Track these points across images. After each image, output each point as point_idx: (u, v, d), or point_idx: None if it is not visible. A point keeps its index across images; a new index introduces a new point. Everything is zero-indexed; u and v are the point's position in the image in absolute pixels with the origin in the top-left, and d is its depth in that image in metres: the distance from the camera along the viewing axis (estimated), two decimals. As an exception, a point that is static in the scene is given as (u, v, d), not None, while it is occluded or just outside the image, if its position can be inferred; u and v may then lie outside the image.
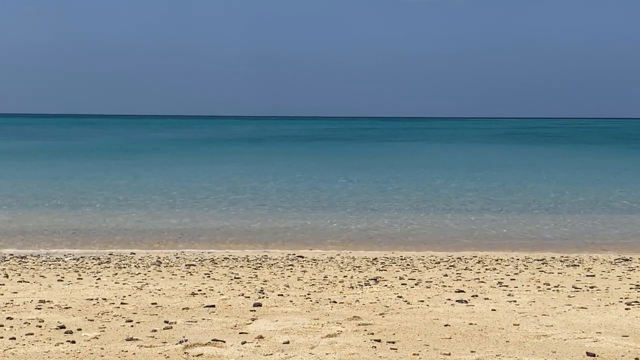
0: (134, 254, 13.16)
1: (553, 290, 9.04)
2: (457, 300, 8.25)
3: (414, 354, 5.96)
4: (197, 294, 8.71)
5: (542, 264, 11.73)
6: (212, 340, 6.31)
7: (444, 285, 9.40)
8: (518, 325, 6.96)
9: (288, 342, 6.24)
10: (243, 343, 6.23)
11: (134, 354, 5.96)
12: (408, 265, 11.51)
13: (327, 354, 5.94)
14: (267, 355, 5.91)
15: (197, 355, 5.90)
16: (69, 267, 11.24)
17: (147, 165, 36.08)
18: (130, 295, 8.55)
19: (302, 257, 12.67)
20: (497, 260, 12.22)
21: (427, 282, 9.70)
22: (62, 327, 6.81)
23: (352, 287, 9.24)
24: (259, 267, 11.30)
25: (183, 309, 7.76)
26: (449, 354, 5.97)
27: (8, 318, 7.20)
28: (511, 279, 9.96)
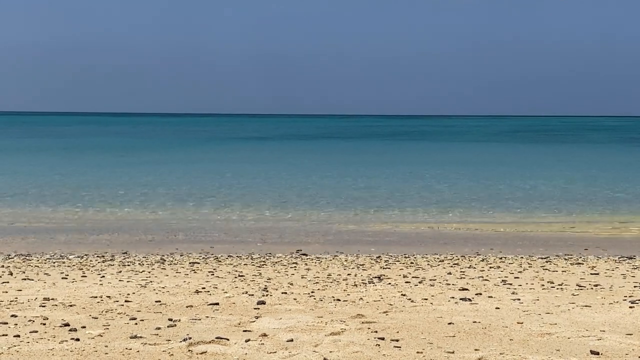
0: (138, 252, 13.17)
1: (557, 289, 9.04)
2: (460, 299, 8.25)
3: (417, 352, 5.96)
4: (201, 291, 8.71)
5: (546, 262, 11.72)
6: (216, 338, 6.32)
7: (447, 284, 9.40)
8: (522, 323, 6.95)
9: (292, 340, 6.25)
10: (247, 341, 6.23)
11: (138, 351, 5.97)
12: (412, 263, 11.51)
13: (330, 351, 5.94)
14: (270, 353, 5.91)
15: (201, 353, 5.91)
16: (73, 265, 11.26)
17: (152, 163, 36.10)
18: (134, 293, 8.57)
19: (305, 255, 12.67)
20: (501, 258, 12.21)
21: (430, 280, 9.70)
22: (67, 324, 6.82)
23: (356, 285, 9.24)
24: (262, 265, 11.31)
25: (187, 306, 7.77)
26: (453, 352, 5.96)
27: (12, 316, 7.22)
28: (515, 277, 9.95)
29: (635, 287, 9.18)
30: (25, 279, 9.69)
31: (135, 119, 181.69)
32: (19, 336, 6.39)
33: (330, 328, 6.70)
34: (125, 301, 8.05)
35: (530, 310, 7.61)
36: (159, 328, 6.73)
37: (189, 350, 5.98)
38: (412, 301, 8.10)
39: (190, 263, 11.48)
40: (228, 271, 10.54)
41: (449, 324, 6.93)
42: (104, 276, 10.01)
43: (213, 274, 10.22)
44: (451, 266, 11.15)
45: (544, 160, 40.80)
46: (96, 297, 8.30)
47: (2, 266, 11.04)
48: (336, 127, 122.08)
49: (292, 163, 36.95)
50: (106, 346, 6.11)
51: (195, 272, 10.42)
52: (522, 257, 12.34)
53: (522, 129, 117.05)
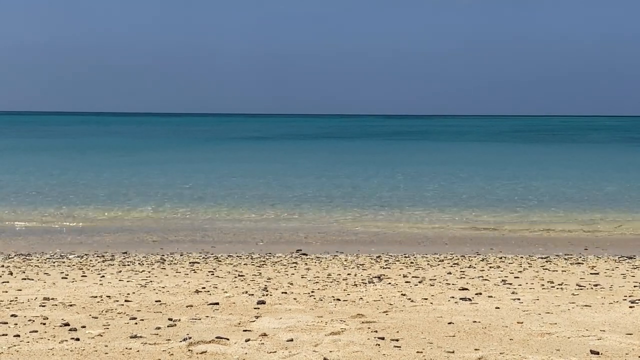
0: (138, 251, 13.18)
1: (557, 288, 9.04)
2: (460, 298, 8.25)
3: (417, 352, 5.96)
4: (201, 291, 8.72)
5: (546, 261, 11.72)
6: (216, 337, 6.32)
7: (447, 283, 9.40)
8: (522, 323, 6.95)
9: (292, 340, 6.25)
10: (247, 340, 6.23)
11: (138, 351, 5.97)
12: (412, 263, 11.51)
13: (330, 351, 5.94)
14: (270, 352, 5.92)
15: (201, 353, 5.91)
16: (73, 265, 11.26)
17: (152, 163, 36.11)
18: (134, 293, 8.57)
19: (305, 254, 12.67)
20: (500, 258, 12.21)
21: (430, 280, 9.70)
22: (66, 324, 6.83)
23: (356, 285, 9.24)
24: (262, 264, 11.31)
25: (187, 306, 7.77)
26: (453, 352, 5.97)
27: (12, 315, 7.22)
28: (515, 277, 9.96)
29: (635, 286, 9.18)
30: (25, 279, 9.69)
31: (136, 119, 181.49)
32: (18, 336, 6.40)
33: (330, 328, 6.70)
34: (125, 301, 8.05)
35: (530, 310, 7.61)
36: (159, 328, 6.73)
37: (189, 350, 5.98)
38: (412, 301, 8.10)
39: (190, 263, 11.48)
40: (228, 271, 10.54)
41: (449, 323, 6.93)
42: (104, 276, 10.01)
43: (213, 274, 10.22)
44: (451, 266, 11.15)
45: (545, 160, 40.80)
46: (96, 296, 8.30)
47: (2, 266, 11.04)
48: (336, 126, 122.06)
49: (293, 163, 36.95)
50: (106, 346, 6.12)
51: (195, 272, 10.42)
52: (522, 257, 12.33)
53: (522, 128, 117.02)
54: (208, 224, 17.17)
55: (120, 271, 10.52)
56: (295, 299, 8.23)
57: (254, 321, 7.00)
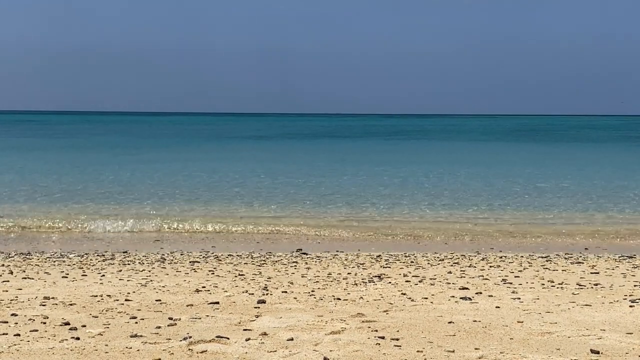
0: (138, 250, 13.18)
1: (557, 288, 9.04)
2: (461, 298, 8.25)
3: (417, 351, 5.97)
4: (201, 290, 8.72)
5: (546, 261, 11.72)
6: (216, 337, 6.33)
7: (447, 283, 9.40)
8: (522, 322, 6.96)
9: (292, 339, 6.25)
10: (247, 340, 6.24)
11: (138, 350, 5.97)
12: (412, 262, 11.51)
13: (331, 350, 5.94)
14: (271, 351, 5.92)
15: (201, 352, 5.92)
16: (74, 264, 11.26)
17: (153, 161, 36.12)
18: (134, 292, 8.57)
19: (306, 254, 12.67)
20: (501, 257, 12.21)
21: (431, 279, 9.70)
22: (67, 323, 6.83)
23: (356, 284, 9.24)
24: (263, 264, 11.31)
25: (187, 305, 7.78)
26: (453, 351, 5.97)
27: (12, 314, 7.22)
28: (515, 276, 9.96)
29: (635, 286, 9.18)
30: (25, 278, 9.70)
31: (137, 118, 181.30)
32: (19, 335, 6.40)
33: (331, 327, 6.70)
34: (126, 300, 8.05)
35: (530, 309, 7.61)
36: (159, 327, 6.73)
37: (189, 349, 5.98)
38: (412, 300, 8.11)
39: (190, 262, 11.49)
40: (228, 270, 10.55)
41: (449, 323, 6.94)
42: (104, 275, 10.02)
43: (213, 273, 10.22)
44: (451, 265, 11.15)
45: (545, 159, 40.80)
46: (96, 296, 8.31)
47: (3, 265, 11.05)
48: (337, 126, 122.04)
49: (293, 162, 36.95)
50: (106, 345, 6.12)
51: (195, 271, 10.42)
52: (522, 256, 12.33)
53: (522, 128, 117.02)
54: (208, 223, 17.16)
55: (120, 270, 10.53)
56: (295, 298, 8.24)
57: (254, 320, 7.00)
